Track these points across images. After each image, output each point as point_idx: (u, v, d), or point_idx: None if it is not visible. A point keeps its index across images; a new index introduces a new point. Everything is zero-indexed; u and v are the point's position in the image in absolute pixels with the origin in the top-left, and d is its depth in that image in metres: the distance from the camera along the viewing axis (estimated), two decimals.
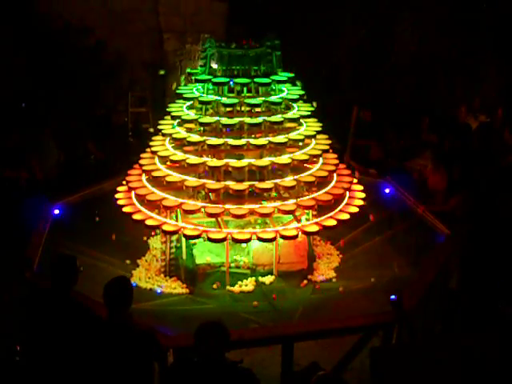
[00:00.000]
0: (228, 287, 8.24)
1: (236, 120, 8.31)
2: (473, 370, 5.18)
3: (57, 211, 9.09)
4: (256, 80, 8.43)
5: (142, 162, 8.78)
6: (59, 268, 5.74)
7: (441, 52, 13.77)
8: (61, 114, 12.71)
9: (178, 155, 8.38)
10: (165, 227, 8.03)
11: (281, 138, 8.33)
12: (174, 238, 8.61)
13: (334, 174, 8.79)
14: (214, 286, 8.23)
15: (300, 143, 8.54)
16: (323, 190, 8.44)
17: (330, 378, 4.51)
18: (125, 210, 8.45)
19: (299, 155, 8.39)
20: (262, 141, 8.24)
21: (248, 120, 8.32)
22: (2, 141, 10.91)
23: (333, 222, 8.18)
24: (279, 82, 8.66)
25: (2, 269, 8.23)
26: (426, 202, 9.14)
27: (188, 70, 9.38)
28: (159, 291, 8.32)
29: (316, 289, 8.37)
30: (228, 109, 8.51)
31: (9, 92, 13.03)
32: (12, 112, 12.55)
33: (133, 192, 8.56)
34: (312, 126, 8.85)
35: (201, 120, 8.39)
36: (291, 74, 8.86)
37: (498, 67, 13.57)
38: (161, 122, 9.10)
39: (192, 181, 8.15)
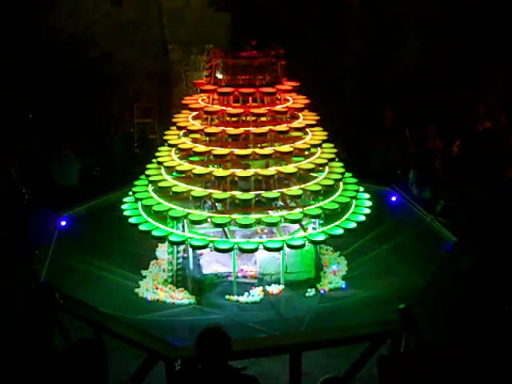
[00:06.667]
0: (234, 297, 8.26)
1: (242, 130, 8.32)
2: (481, 379, 5.16)
3: (63, 223, 9.10)
4: (261, 89, 8.45)
5: (148, 172, 8.79)
6: (36, 302, 5.25)
7: (444, 59, 13.78)
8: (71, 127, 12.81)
9: (184, 165, 8.39)
10: (171, 238, 8.04)
11: (286, 147, 8.33)
12: (181, 248, 8.62)
13: (340, 183, 8.79)
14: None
15: (306, 152, 8.54)
16: (330, 199, 8.43)
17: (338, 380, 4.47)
18: (131, 220, 8.46)
19: (305, 164, 8.38)
20: (268, 150, 8.25)
21: (254, 129, 8.33)
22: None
23: (340, 231, 8.17)
24: (284, 91, 8.67)
25: (10, 281, 8.25)
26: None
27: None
28: (166, 301, 8.33)
29: (323, 298, 8.36)
30: (233, 118, 8.53)
31: (16, 104, 13.13)
32: (19, 124, 12.66)
33: (139, 202, 8.57)
34: (317, 134, 8.86)
35: (206, 130, 8.41)
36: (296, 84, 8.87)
37: (502, 73, 13.57)
38: (167, 132, 9.12)
39: (198, 191, 8.16)
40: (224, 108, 8.50)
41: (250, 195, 8.01)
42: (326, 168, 8.73)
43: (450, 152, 11.29)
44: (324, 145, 8.84)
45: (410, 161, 11.39)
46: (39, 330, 5.19)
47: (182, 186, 8.24)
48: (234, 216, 7.98)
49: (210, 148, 8.29)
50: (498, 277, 7.94)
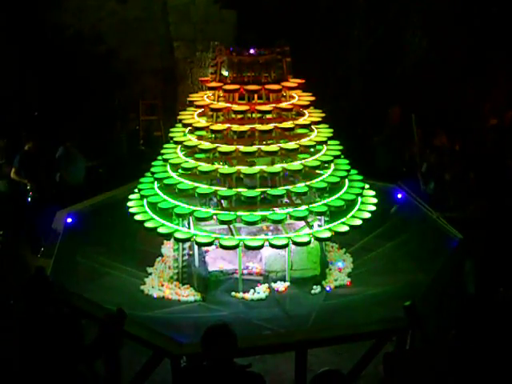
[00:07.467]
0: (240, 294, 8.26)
1: (247, 127, 8.31)
2: (485, 376, 5.16)
3: (69, 220, 9.10)
4: (267, 86, 8.44)
5: (153, 169, 8.80)
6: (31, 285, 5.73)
7: (450, 57, 13.74)
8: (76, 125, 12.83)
9: (190, 162, 8.39)
10: (177, 235, 8.04)
11: (292, 145, 8.32)
12: (187, 245, 8.62)
13: (346, 180, 8.78)
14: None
15: (311, 149, 8.53)
16: (335, 196, 8.42)
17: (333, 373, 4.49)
18: (137, 218, 8.46)
19: (311, 161, 8.38)
20: (274, 147, 8.24)
21: (259, 127, 8.32)
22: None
23: (345, 228, 8.16)
24: (290, 88, 8.66)
25: (15, 278, 8.27)
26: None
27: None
28: (172, 299, 8.34)
29: (329, 295, 8.35)
30: (239, 116, 8.53)
31: (21, 102, 13.16)
32: (23, 121, 12.69)
33: (145, 200, 8.58)
34: (323, 131, 8.85)
35: (212, 127, 8.41)
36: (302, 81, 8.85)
37: (507, 70, 13.55)
38: (172, 129, 9.12)
39: (204, 188, 8.16)
40: (229, 105, 8.50)
41: (256, 192, 8.00)
42: (332, 165, 8.72)
43: (453, 149, 11.25)
44: (330, 142, 8.83)
45: (418, 152, 11.30)
46: (38, 309, 5.47)
47: (187, 183, 8.24)
48: (239, 213, 7.97)
49: (216, 145, 8.28)
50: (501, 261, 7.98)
